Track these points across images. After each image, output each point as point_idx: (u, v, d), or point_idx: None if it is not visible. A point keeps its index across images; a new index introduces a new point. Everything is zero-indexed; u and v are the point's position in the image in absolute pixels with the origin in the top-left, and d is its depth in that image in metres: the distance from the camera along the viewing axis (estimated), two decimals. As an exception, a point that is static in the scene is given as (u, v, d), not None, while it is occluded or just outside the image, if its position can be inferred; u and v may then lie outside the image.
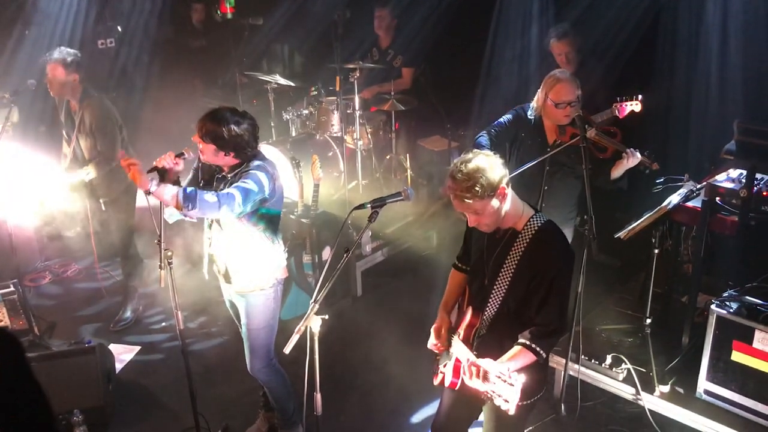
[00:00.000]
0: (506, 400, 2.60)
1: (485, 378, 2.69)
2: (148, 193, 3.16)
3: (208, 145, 3.35)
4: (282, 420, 4.03)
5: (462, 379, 2.95)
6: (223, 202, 3.24)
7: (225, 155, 3.38)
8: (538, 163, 3.96)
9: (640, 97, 4.21)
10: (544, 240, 2.82)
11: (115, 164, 4.92)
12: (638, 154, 3.96)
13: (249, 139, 3.39)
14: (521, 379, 2.60)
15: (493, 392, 2.64)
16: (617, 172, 4.00)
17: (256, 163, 3.44)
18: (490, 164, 2.72)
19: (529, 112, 4.20)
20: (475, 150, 2.83)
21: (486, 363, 2.75)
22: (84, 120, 4.83)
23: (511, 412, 2.62)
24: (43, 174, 5.13)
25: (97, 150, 4.87)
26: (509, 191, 2.78)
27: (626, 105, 4.22)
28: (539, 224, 2.83)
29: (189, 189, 3.21)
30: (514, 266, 2.82)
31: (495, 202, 2.73)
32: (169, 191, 3.16)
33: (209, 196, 3.22)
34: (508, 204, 2.79)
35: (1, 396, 1.70)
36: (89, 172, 4.88)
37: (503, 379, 2.61)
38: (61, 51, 4.72)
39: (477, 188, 2.67)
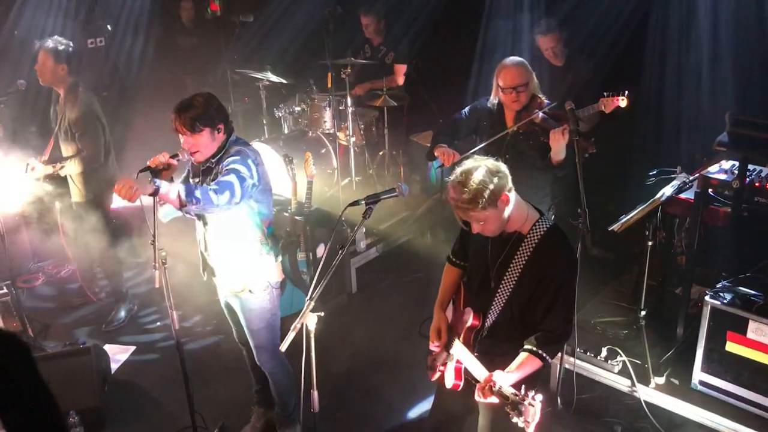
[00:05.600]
0: (527, 421, 2.54)
1: (500, 395, 2.64)
2: (153, 194, 3.07)
3: (202, 134, 3.32)
4: (281, 416, 4.03)
5: (464, 381, 2.95)
6: (222, 190, 3.21)
7: (218, 133, 3.38)
8: (496, 151, 4.00)
9: (626, 92, 4.23)
10: (550, 245, 2.80)
11: (96, 165, 4.88)
12: (561, 131, 3.88)
13: (219, 103, 3.43)
14: (540, 398, 2.56)
15: (513, 413, 2.57)
16: (555, 153, 3.95)
17: (236, 148, 3.44)
18: (492, 174, 2.68)
19: (490, 101, 4.28)
20: (477, 157, 2.80)
21: (499, 377, 2.72)
22: (65, 115, 4.79)
23: (530, 430, 2.58)
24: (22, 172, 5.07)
25: (78, 148, 4.81)
26: (512, 196, 2.75)
27: (612, 100, 4.25)
28: (545, 228, 2.81)
29: (188, 185, 3.19)
30: (520, 270, 2.81)
31: (499, 210, 2.71)
32: (174, 190, 3.11)
33: (209, 192, 3.19)
34: (512, 209, 2.76)
35: (12, 399, 1.72)
36: (64, 167, 4.82)
37: (524, 400, 2.55)
38: (54, 40, 4.72)
39: (479, 201, 2.64)
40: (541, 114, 4.04)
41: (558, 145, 3.91)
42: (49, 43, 4.68)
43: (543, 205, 4.26)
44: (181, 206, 3.14)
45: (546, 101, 4.17)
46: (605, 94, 4.28)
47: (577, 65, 5.25)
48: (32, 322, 5.06)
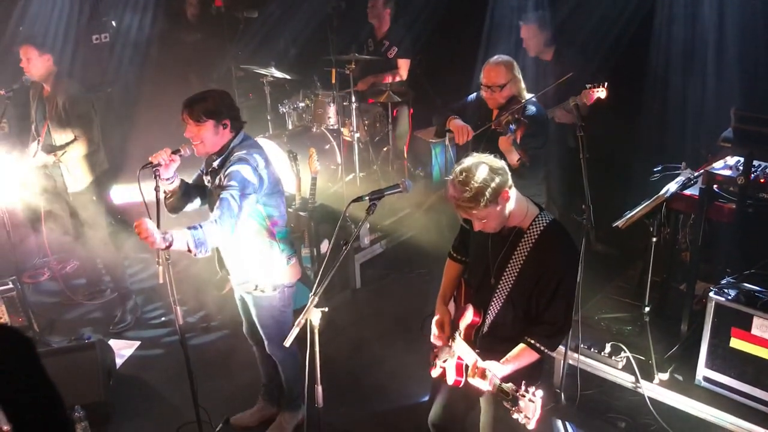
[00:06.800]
0: (528, 417, 2.53)
1: (500, 390, 2.63)
2: (166, 248, 3.03)
3: (205, 125, 3.32)
4: (286, 400, 4.08)
5: (466, 378, 2.95)
6: (226, 222, 3.17)
7: (223, 128, 3.38)
8: (476, 145, 3.99)
9: (605, 83, 4.21)
10: (550, 240, 2.78)
11: (94, 147, 4.90)
12: (507, 138, 3.89)
13: (231, 102, 3.44)
14: (540, 394, 2.55)
15: (513, 410, 2.57)
16: (509, 156, 3.93)
17: (238, 154, 3.39)
18: (492, 171, 2.67)
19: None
20: (475, 154, 2.77)
21: (494, 367, 2.72)
22: (57, 102, 4.78)
23: (531, 426, 2.57)
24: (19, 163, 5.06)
25: (72, 132, 4.81)
26: (513, 192, 2.75)
27: (592, 92, 4.24)
28: (545, 223, 2.80)
29: (195, 232, 3.08)
30: (520, 266, 2.80)
31: (499, 207, 2.70)
32: (184, 242, 3.04)
33: (214, 229, 3.13)
34: (512, 204, 2.76)
35: (15, 394, 1.74)
36: (65, 152, 4.82)
37: (524, 396, 2.54)
38: (30, 34, 4.75)
39: (481, 199, 2.63)
40: (510, 118, 4.01)
41: (504, 150, 3.90)
42: (27, 37, 4.70)
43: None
44: (192, 252, 3.10)
45: (526, 101, 4.11)
46: (587, 86, 4.28)
47: (564, 59, 5.21)
48: (38, 318, 5.09)
